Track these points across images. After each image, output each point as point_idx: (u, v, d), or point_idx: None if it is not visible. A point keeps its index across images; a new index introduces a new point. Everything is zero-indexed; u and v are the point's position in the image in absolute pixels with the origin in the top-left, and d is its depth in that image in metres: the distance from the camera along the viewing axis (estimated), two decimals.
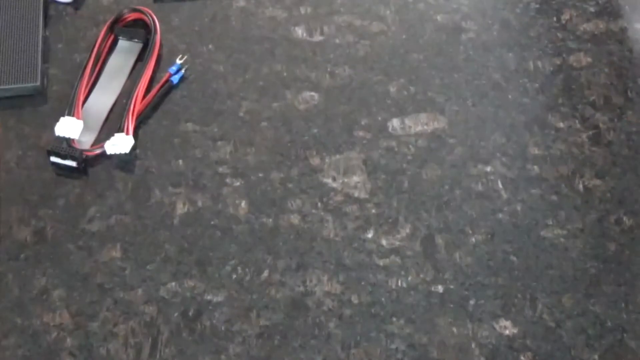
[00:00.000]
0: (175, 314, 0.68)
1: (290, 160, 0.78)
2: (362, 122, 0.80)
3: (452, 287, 0.70)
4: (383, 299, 0.69)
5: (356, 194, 0.75)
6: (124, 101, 0.80)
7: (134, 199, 0.75)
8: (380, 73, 0.84)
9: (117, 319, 0.68)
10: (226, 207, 0.75)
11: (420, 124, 0.80)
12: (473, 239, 0.72)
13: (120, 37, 0.85)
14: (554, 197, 0.75)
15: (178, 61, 0.83)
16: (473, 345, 0.66)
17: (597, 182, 0.76)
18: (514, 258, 0.71)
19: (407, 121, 0.80)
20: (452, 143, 0.79)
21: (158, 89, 0.81)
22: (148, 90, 0.81)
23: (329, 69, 0.84)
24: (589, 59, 0.85)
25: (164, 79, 0.82)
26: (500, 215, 0.74)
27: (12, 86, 0.81)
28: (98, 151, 0.77)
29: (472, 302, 0.69)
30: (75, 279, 0.70)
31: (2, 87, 0.81)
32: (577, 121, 0.80)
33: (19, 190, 0.75)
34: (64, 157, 0.76)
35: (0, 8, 0.86)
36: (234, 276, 0.70)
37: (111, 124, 0.79)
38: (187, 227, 0.73)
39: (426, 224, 0.73)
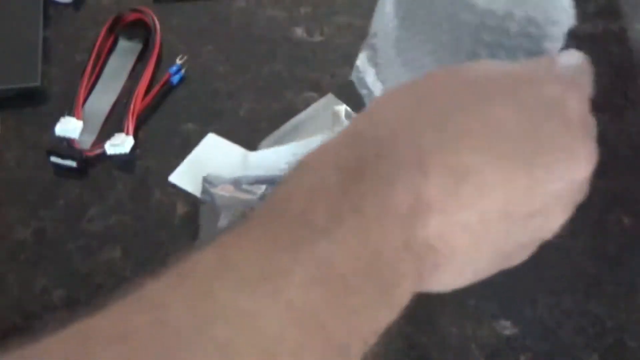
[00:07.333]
0: None
1: None
2: None
3: None
4: None
5: None
6: (124, 101, 0.80)
7: (134, 199, 0.75)
8: None
9: None
10: None
11: None
12: None
13: (121, 38, 0.85)
14: None
15: (178, 61, 0.83)
16: (473, 345, 0.66)
17: (597, 182, 0.76)
18: None
19: None
20: None
21: (158, 89, 0.81)
22: (148, 90, 0.81)
23: (329, 69, 0.84)
24: (589, 59, 0.85)
25: (164, 79, 0.82)
26: None
27: (12, 86, 0.81)
28: (98, 151, 0.77)
29: (472, 302, 0.69)
30: (75, 279, 0.70)
31: (2, 87, 0.81)
32: None
33: (19, 190, 0.75)
34: (64, 157, 0.76)
35: (0, 8, 0.86)
36: None
37: (111, 124, 0.79)
38: (187, 227, 0.73)
39: None
